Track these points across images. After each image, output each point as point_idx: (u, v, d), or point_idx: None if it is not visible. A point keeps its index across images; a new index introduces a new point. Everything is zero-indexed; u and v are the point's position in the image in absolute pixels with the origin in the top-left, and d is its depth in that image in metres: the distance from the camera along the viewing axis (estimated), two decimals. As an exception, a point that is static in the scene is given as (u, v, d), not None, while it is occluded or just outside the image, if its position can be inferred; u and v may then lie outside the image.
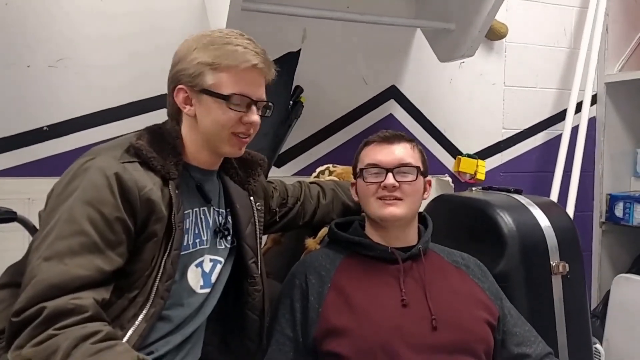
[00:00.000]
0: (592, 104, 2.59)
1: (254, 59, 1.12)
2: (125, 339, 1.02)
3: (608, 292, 2.47)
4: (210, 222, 1.21)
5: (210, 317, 1.24)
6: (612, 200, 2.63)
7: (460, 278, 1.35)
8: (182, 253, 1.12)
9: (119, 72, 1.90)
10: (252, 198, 1.30)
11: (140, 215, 1.05)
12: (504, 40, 2.47)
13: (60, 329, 0.91)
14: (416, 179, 1.32)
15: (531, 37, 2.55)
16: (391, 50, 2.30)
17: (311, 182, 1.57)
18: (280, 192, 1.45)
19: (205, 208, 1.21)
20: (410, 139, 1.39)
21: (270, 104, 1.19)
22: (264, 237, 1.55)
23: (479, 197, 1.66)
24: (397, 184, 1.29)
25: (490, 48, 2.47)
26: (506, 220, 1.51)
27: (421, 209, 1.42)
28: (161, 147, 1.12)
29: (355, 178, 1.40)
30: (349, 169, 1.48)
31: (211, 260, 1.21)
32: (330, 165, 1.76)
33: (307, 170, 2.06)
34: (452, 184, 2.40)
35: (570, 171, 2.46)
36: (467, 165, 2.40)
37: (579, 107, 2.53)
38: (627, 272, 2.53)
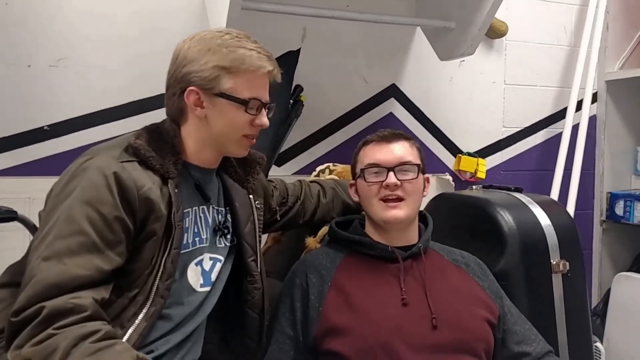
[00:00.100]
0: (592, 102, 2.59)
1: (268, 65, 1.14)
2: (125, 338, 1.02)
3: (608, 291, 2.47)
4: (210, 220, 1.21)
5: (211, 316, 1.24)
6: (613, 198, 2.62)
7: (461, 277, 1.35)
8: (182, 252, 1.12)
9: (119, 72, 1.91)
10: (251, 196, 1.30)
11: (139, 214, 1.05)
12: (504, 38, 2.47)
13: (60, 329, 0.91)
14: (417, 176, 1.32)
15: (531, 35, 2.54)
16: (391, 49, 2.29)
17: (311, 181, 1.57)
18: (281, 191, 1.45)
19: (205, 207, 1.21)
20: (409, 136, 1.39)
21: (272, 104, 1.20)
22: (265, 236, 1.55)
23: (479, 196, 1.66)
24: (398, 182, 1.29)
25: (490, 46, 2.47)
26: (506, 218, 1.51)
27: (421, 208, 1.42)
28: (160, 146, 1.12)
29: (354, 179, 1.39)
30: (349, 167, 1.47)
31: (211, 258, 1.21)
32: (331, 164, 1.76)
33: (308, 169, 2.06)
34: (453, 183, 2.41)
35: (571, 169, 2.46)
36: (467, 164, 2.40)
37: (579, 106, 2.53)
38: (627, 271, 2.53)
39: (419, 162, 1.34)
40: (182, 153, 1.15)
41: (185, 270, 1.16)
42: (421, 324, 1.22)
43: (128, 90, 1.91)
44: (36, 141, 1.83)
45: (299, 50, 2.05)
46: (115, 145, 1.11)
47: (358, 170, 1.36)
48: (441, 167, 2.41)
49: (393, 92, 2.31)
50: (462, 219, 1.64)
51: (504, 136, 2.53)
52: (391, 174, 1.29)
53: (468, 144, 2.45)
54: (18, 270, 1.05)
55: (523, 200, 1.60)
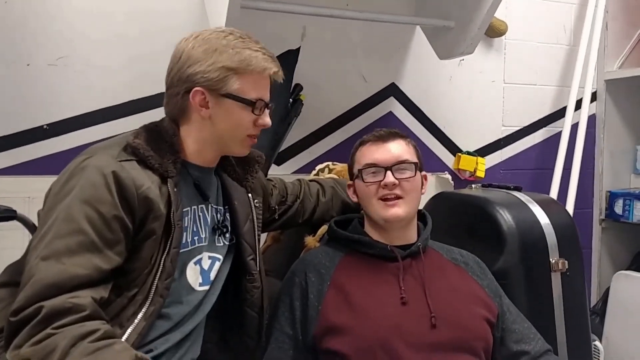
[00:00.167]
0: (591, 101, 2.59)
1: (274, 66, 1.15)
2: (124, 338, 1.02)
3: (608, 289, 2.47)
4: (209, 219, 1.21)
5: (210, 315, 1.24)
6: (612, 197, 2.63)
7: (460, 275, 1.35)
8: (181, 251, 1.12)
9: (119, 71, 1.91)
10: (250, 195, 1.30)
11: (138, 213, 1.05)
12: (503, 37, 2.47)
13: (59, 328, 0.91)
14: (414, 175, 1.32)
15: (531, 34, 2.54)
16: (391, 48, 2.29)
17: (311, 180, 1.57)
18: (280, 189, 1.45)
19: (204, 205, 1.21)
20: (405, 135, 1.39)
21: (272, 104, 1.21)
22: (264, 235, 1.55)
23: (478, 195, 1.66)
24: (397, 181, 1.29)
25: (489, 45, 2.47)
26: (506, 217, 1.51)
27: (421, 207, 1.42)
28: (158, 145, 1.12)
29: (352, 179, 1.39)
30: (348, 166, 1.47)
31: (210, 257, 1.21)
32: (330, 163, 1.76)
33: (307, 168, 2.06)
34: (452, 182, 2.41)
35: (570, 168, 2.46)
36: (466, 163, 2.40)
37: (578, 105, 2.53)
38: (626, 269, 2.54)
39: (415, 160, 1.34)
40: (180, 152, 1.15)
41: (184, 270, 1.16)
42: (420, 322, 1.22)
43: (127, 89, 1.91)
44: (35, 140, 1.83)
45: (298, 49, 2.05)
46: (113, 144, 1.11)
47: (355, 171, 1.36)
48: (440, 166, 2.41)
49: (392, 91, 2.31)
50: (461, 218, 1.64)
51: (504, 135, 2.53)
52: (389, 173, 1.29)
53: (467, 143, 2.45)
54: (17, 270, 1.05)
55: (522, 199, 1.60)
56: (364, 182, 1.32)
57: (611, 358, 2.26)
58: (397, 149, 1.33)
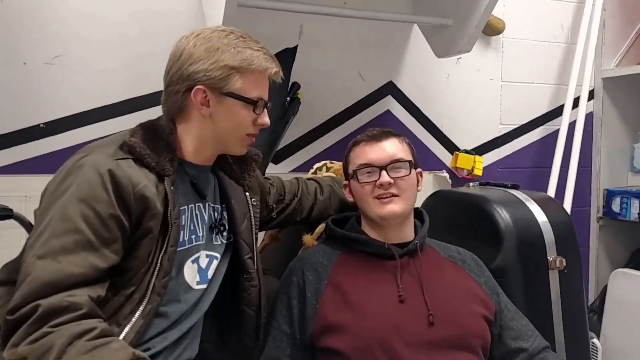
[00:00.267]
0: (589, 100, 2.60)
1: (275, 66, 1.16)
2: (121, 336, 1.02)
3: (605, 287, 2.48)
4: (206, 217, 1.21)
5: (207, 313, 1.24)
6: (609, 195, 2.63)
7: (457, 273, 1.35)
8: (178, 249, 1.12)
9: (115, 70, 1.90)
10: (247, 194, 1.30)
11: (134, 212, 1.05)
12: (501, 35, 2.47)
13: (55, 327, 0.91)
14: (409, 173, 1.32)
15: (528, 32, 2.54)
16: (388, 46, 2.29)
17: (308, 179, 1.57)
18: (278, 188, 1.45)
19: (201, 204, 1.21)
20: (398, 133, 1.39)
21: (270, 104, 1.21)
22: (261, 234, 1.55)
23: (476, 193, 1.66)
24: (392, 180, 1.29)
25: (487, 44, 2.47)
26: (503, 215, 1.51)
27: (418, 204, 1.42)
28: (155, 144, 1.11)
29: (347, 179, 1.39)
30: (346, 165, 1.47)
31: (207, 256, 1.21)
32: (328, 162, 1.76)
33: (305, 167, 2.06)
34: (450, 180, 2.41)
35: (568, 166, 2.46)
36: (464, 161, 2.40)
37: (576, 103, 2.53)
38: (624, 267, 2.54)
39: (410, 158, 1.34)
40: (177, 150, 1.15)
41: (181, 268, 1.16)
42: (418, 320, 1.22)
43: (124, 87, 1.91)
44: (32, 139, 1.83)
45: (295, 48, 2.05)
46: (110, 142, 1.11)
47: (350, 171, 1.36)
48: (438, 165, 2.41)
49: (390, 89, 2.31)
50: (459, 216, 1.64)
51: (501, 133, 2.53)
52: (384, 172, 1.29)
53: (465, 141, 2.45)
54: (14, 269, 1.05)
55: (520, 197, 1.60)
56: (359, 182, 1.32)
57: (609, 355, 2.26)
58: (391, 147, 1.33)
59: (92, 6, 1.87)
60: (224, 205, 1.27)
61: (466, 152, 2.43)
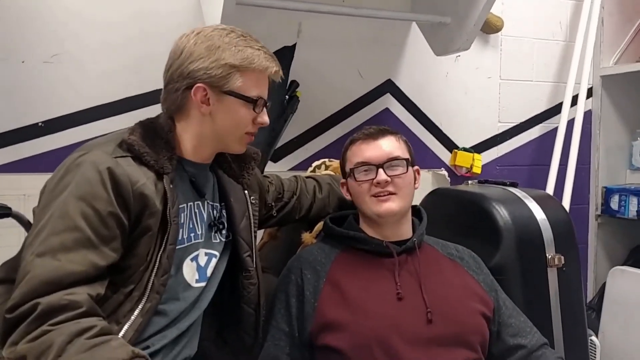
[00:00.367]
0: (587, 97, 2.60)
1: (275, 65, 1.16)
2: (121, 334, 1.02)
3: (604, 285, 2.48)
4: (205, 216, 1.21)
5: (206, 311, 1.24)
6: (608, 193, 2.63)
7: (455, 270, 1.35)
8: (177, 247, 1.12)
9: (114, 68, 1.90)
10: (246, 192, 1.30)
11: (133, 209, 1.05)
12: (499, 33, 2.47)
13: (55, 325, 0.91)
14: (407, 171, 1.32)
15: (527, 30, 2.54)
16: (387, 44, 2.29)
17: (307, 177, 1.57)
18: (276, 186, 1.45)
19: (200, 202, 1.21)
20: (395, 131, 1.39)
21: (269, 103, 1.21)
22: (260, 232, 1.55)
23: (475, 191, 1.66)
24: (389, 179, 1.29)
25: (485, 42, 2.47)
26: (502, 213, 1.51)
27: (417, 202, 1.42)
28: (154, 142, 1.11)
29: (344, 178, 1.40)
30: (345, 163, 1.47)
31: (206, 254, 1.21)
32: (327, 160, 1.76)
33: (303, 165, 2.06)
34: (449, 178, 2.40)
35: (566, 164, 2.46)
36: (463, 159, 2.41)
37: (574, 100, 2.53)
38: (622, 265, 2.54)
39: (407, 156, 1.34)
40: (176, 148, 1.15)
41: (180, 266, 1.16)
42: (416, 318, 1.22)
43: (123, 86, 1.90)
44: (31, 138, 1.82)
45: (294, 46, 2.05)
46: (109, 140, 1.11)
47: (347, 170, 1.36)
48: (437, 163, 2.41)
49: (389, 87, 2.31)
50: (457, 214, 1.64)
51: (500, 131, 2.53)
52: (380, 171, 1.30)
53: (464, 139, 2.45)
54: (13, 267, 1.05)
55: (518, 195, 1.60)
56: (356, 180, 1.32)
57: (607, 353, 2.27)
58: (388, 145, 1.33)
59: (91, 5, 1.87)
60: (222, 204, 1.27)
61: (465, 150, 2.43)
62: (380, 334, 1.19)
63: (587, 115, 2.63)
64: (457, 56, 2.37)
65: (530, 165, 2.58)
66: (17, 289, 0.95)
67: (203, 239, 1.20)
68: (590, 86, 2.64)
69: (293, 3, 1.88)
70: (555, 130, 2.53)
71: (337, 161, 1.70)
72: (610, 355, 2.28)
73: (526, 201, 1.58)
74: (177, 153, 1.15)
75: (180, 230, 1.13)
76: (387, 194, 1.29)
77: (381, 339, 1.18)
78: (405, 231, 1.35)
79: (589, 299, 2.59)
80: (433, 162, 2.39)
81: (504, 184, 1.70)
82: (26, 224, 1.47)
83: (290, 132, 2.10)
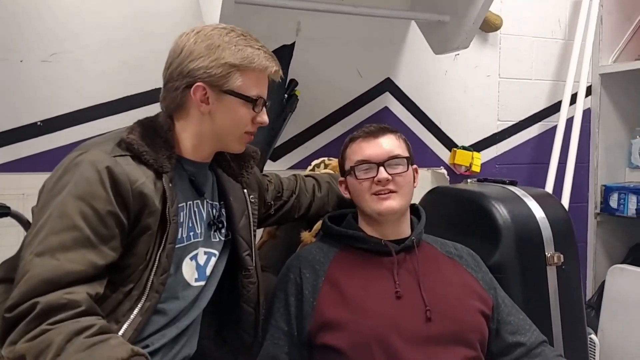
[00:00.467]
0: (586, 95, 2.60)
1: (275, 65, 1.17)
2: (120, 333, 1.02)
3: (603, 283, 2.48)
4: (204, 215, 1.21)
5: (206, 310, 1.24)
6: (607, 191, 2.63)
7: (454, 268, 1.35)
8: (176, 246, 1.12)
9: (113, 67, 1.90)
10: (245, 191, 1.30)
11: (132, 209, 1.05)
12: (498, 32, 2.47)
13: (54, 324, 0.91)
14: (407, 169, 1.32)
15: (526, 28, 2.54)
16: (386, 43, 2.29)
17: (306, 176, 1.57)
18: (276, 185, 1.45)
19: (199, 201, 1.21)
20: (395, 129, 1.39)
21: (268, 102, 1.21)
22: (260, 231, 1.55)
23: (474, 189, 1.66)
24: (390, 177, 1.29)
25: (484, 40, 2.47)
26: (501, 211, 1.51)
27: (416, 201, 1.42)
28: (153, 141, 1.11)
29: (343, 176, 1.39)
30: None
31: (205, 253, 1.21)
32: (326, 159, 1.76)
33: (303, 164, 2.06)
34: (448, 177, 2.41)
35: (565, 162, 2.47)
36: (462, 158, 2.41)
37: (573, 99, 2.53)
38: (621, 263, 2.55)
39: (407, 154, 1.35)
40: (175, 147, 1.15)
41: (180, 265, 1.16)
42: (415, 316, 1.22)
43: (122, 85, 1.90)
44: (29, 137, 1.82)
45: (293, 45, 2.04)
46: (108, 139, 1.10)
47: (347, 168, 1.36)
48: (436, 161, 2.41)
49: (388, 86, 2.31)
50: (457, 213, 1.64)
51: (499, 130, 2.53)
52: (382, 169, 1.29)
53: (463, 138, 2.45)
54: (12, 266, 1.05)
55: (518, 193, 1.60)
56: (356, 179, 1.32)
57: (606, 351, 2.27)
58: (389, 144, 1.33)
59: (89, 4, 1.87)
60: (222, 203, 1.26)
61: (464, 148, 2.43)
62: (379, 333, 1.19)
63: (586, 113, 2.63)
64: (456, 54, 2.37)
65: (529, 163, 2.58)
66: (16, 288, 0.94)
67: (202, 238, 1.20)
68: (589, 84, 2.64)
69: (292, 2, 1.88)
70: (554, 128, 2.53)
71: (336, 160, 1.70)
72: (610, 353, 2.29)
73: (525, 199, 1.58)
74: (177, 152, 1.15)
75: (180, 229, 1.13)
76: (388, 192, 1.29)
77: (380, 338, 1.18)
78: (404, 230, 1.35)
79: (588, 297, 2.60)
80: (432, 160, 2.39)
81: (503, 183, 1.70)
82: (25, 224, 1.47)
83: (289, 131, 2.10)
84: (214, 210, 1.24)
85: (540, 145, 2.59)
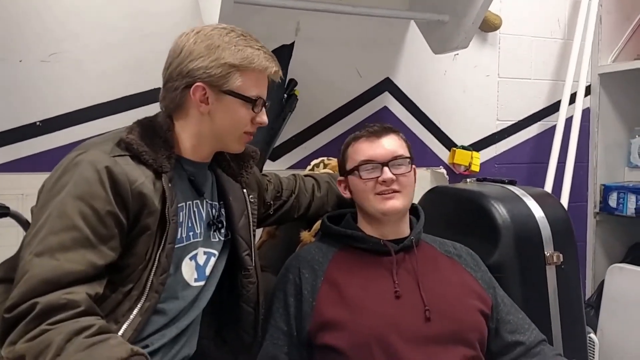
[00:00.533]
0: (585, 95, 2.60)
1: (275, 65, 1.17)
2: (120, 333, 1.02)
3: (602, 282, 2.49)
4: (204, 214, 1.21)
5: (205, 310, 1.24)
6: (606, 190, 2.64)
7: (453, 268, 1.35)
8: (176, 246, 1.12)
9: (112, 67, 1.89)
10: (245, 190, 1.30)
11: (132, 208, 1.05)
12: (497, 31, 2.47)
13: (54, 324, 0.91)
14: (410, 169, 1.33)
15: (525, 28, 2.54)
16: (385, 43, 2.29)
17: (306, 175, 1.57)
18: (275, 185, 1.45)
19: (199, 201, 1.21)
20: (396, 130, 1.39)
21: (268, 102, 1.21)
22: (259, 231, 1.55)
23: (473, 189, 1.66)
24: (394, 177, 1.29)
25: (484, 40, 2.47)
26: (500, 211, 1.51)
27: (415, 201, 1.42)
28: (153, 141, 1.11)
29: (343, 175, 1.39)
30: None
31: (205, 253, 1.21)
32: (325, 158, 1.76)
33: (302, 164, 2.06)
34: (447, 176, 2.41)
35: (565, 162, 2.47)
36: (461, 157, 2.41)
37: (572, 98, 2.53)
38: (621, 262, 2.55)
39: (409, 154, 1.35)
40: (175, 147, 1.15)
41: (179, 265, 1.16)
42: (414, 316, 1.22)
43: (121, 85, 1.90)
44: (29, 137, 1.82)
45: (292, 44, 2.04)
46: (107, 139, 1.10)
47: (349, 167, 1.36)
48: (435, 161, 2.41)
49: (387, 85, 2.31)
50: (456, 212, 1.65)
51: (498, 129, 2.53)
52: (386, 169, 1.30)
53: (462, 138, 2.45)
54: (11, 266, 1.05)
55: (517, 192, 1.60)
56: (361, 178, 1.32)
57: (606, 350, 2.27)
58: (392, 144, 1.34)
59: (89, 4, 1.86)
60: (221, 202, 1.26)
61: (463, 148, 2.43)
62: (378, 333, 1.19)
63: (586, 113, 2.63)
64: (455, 54, 2.37)
65: (528, 163, 2.59)
66: (16, 288, 0.94)
67: (202, 238, 1.20)
68: (588, 84, 2.64)
69: (291, 1, 1.88)
70: (553, 128, 2.54)
71: (336, 159, 1.70)
72: (609, 352, 2.29)
73: (525, 199, 1.58)
74: (176, 152, 1.15)
75: (179, 229, 1.13)
76: (392, 192, 1.30)
77: (379, 338, 1.18)
78: (403, 229, 1.35)
79: (587, 297, 2.60)
80: (431, 160, 2.39)
81: (503, 182, 1.70)
82: (24, 224, 1.47)
83: (288, 131, 2.10)
84: (214, 210, 1.24)
85: (540, 144, 2.59)
